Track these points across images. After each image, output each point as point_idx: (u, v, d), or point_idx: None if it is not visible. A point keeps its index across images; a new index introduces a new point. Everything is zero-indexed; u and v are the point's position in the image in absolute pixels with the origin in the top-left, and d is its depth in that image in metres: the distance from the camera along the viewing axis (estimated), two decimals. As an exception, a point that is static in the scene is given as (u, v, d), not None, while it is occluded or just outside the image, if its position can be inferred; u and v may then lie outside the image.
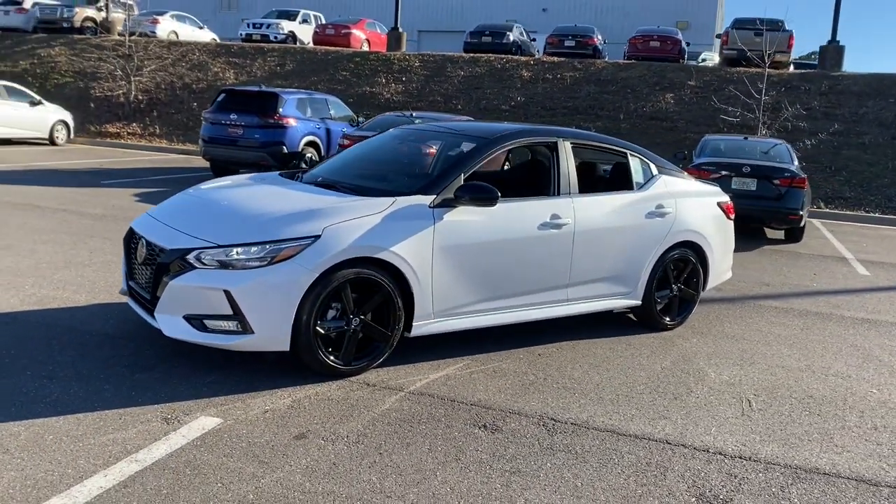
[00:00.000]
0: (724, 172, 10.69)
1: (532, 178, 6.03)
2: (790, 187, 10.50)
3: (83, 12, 29.83)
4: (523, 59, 23.39)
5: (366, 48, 27.58)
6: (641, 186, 5.71)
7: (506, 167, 7.27)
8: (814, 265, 9.24)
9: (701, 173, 10.74)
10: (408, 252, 4.37)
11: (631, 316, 5.98)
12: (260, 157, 12.86)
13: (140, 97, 22.09)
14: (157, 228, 4.42)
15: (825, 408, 4.44)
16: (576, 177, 5.31)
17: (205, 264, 4.04)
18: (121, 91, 21.98)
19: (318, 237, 4.11)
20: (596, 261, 5.29)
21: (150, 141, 20.10)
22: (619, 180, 5.80)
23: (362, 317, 4.31)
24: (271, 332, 4.04)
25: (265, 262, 4.02)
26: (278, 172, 5.55)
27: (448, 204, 4.60)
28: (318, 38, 27.57)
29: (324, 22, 29.48)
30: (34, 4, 31.09)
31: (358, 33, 27.66)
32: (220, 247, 4.06)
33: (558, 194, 5.19)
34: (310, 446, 3.45)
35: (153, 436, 3.44)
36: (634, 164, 5.76)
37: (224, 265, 4.03)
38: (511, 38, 25.59)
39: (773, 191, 10.52)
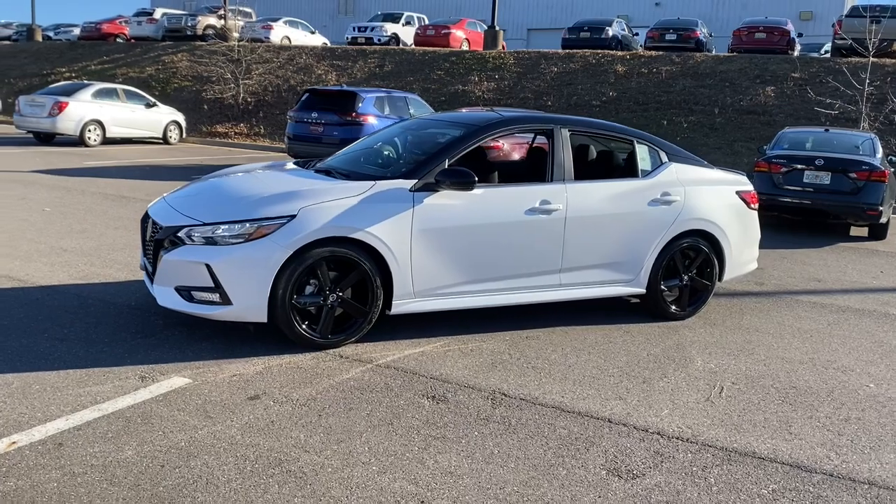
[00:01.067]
0: (795, 165, 10.24)
1: (528, 165, 6.10)
2: (868, 181, 9.92)
3: (205, 20, 31.87)
4: (619, 54, 23.02)
5: (465, 47, 27.94)
6: (647, 174, 5.67)
7: (507, 154, 7.32)
8: (884, 263, 8.72)
9: (770, 166, 10.35)
10: (384, 233, 4.60)
11: (637, 302, 5.94)
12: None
13: (248, 99, 23.40)
14: (163, 210, 4.86)
15: (803, 398, 4.31)
16: (571, 163, 5.36)
17: (193, 241, 4.44)
18: (230, 93, 23.37)
19: (293, 217, 4.41)
20: (591, 247, 5.32)
21: (255, 140, 21.28)
22: (624, 168, 5.78)
23: (339, 293, 4.58)
24: (248, 303, 4.37)
25: (243, 239, 4.37)
26: (294, 161, 5.91)
27: (430, 188, 4.79)
28: (419, 38, 28.19)
29: (427, 23, 30.09)
30: (163, 14, 33.54)
31: (458, 33, 28.06)
32: (205, 224, 4.44)
33: (552, 180, 5.26)
34: (257, 406, 3.75)
35: (124, 391, 3.84)
36: (641, 151, 5.73)
37: (209, 241, 4.41)
38: (610, 33, 25.23)
39: (849, 185, 9.97)
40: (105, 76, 27.29)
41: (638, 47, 26.92)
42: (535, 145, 6.59)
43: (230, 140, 21.41)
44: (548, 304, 5.77)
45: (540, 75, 22.32)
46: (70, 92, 18.11)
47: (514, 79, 22.44)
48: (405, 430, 3.58)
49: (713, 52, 25.46)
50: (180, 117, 20.35)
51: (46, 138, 18.32)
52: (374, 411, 3.77)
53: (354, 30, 29.40)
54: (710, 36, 27.33)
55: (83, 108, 17.81)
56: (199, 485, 2.98)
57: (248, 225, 4.39)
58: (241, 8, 33.85)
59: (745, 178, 6.25)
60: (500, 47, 26.45)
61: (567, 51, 24.08)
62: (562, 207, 5.18)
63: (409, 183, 4.78)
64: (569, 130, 5.45)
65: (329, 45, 31.33)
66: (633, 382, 4.40)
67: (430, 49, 26.04)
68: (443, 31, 27.75)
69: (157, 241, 4.60)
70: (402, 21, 30.22)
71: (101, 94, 18.50)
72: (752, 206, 6.14)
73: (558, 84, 21.60)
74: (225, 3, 30.35)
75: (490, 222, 4.95)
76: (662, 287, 5.69)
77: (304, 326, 4.51)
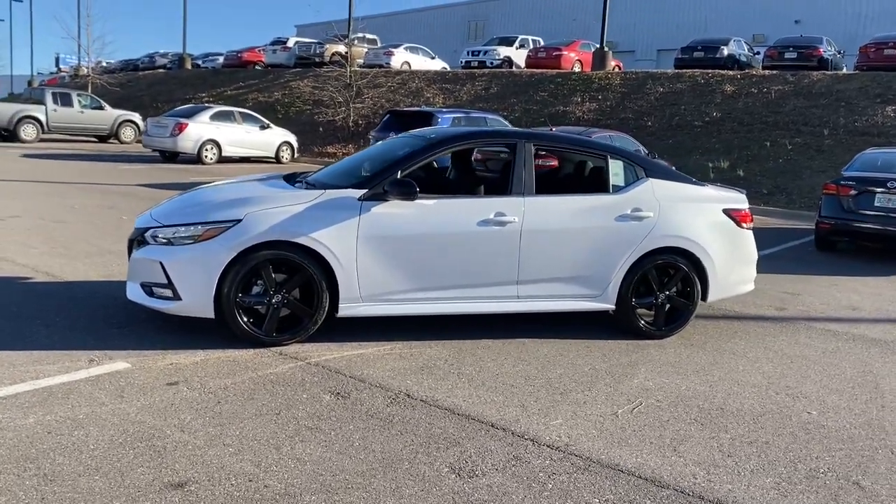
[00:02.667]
0: (867, 188, 9.58)
1: (490, 178, 6.17)
2: (947, 205, 9.12)
3: (332, 48, 33.60)
4: (730, 73, 22.20)
5: (577, 69, 27.86)
6: (619, 189, 5.62)
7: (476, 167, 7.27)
8: (949, 293, 7.99)
9: (839, 189, 9.75)
10: (329, 238, 4.88)
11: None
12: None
13: (359, 122, 24.50)
14: (144, 215, 5.39)
15: (722, 420, 4.15)
16: (532, 177, 5.42)
17: (156, 241, 4.91)
18: (341, 116, 24.57)
19: (238, 221, 4.79)
20: (551, 260, 5.34)
21: (360, 160, 22.21)
22: (594, 183, 5.75)
23: (284, 294, 4.89)
24: (196, 299, 4.78)
25: (193, 241, 4.79)
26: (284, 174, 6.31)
27: (379, 198, 5.02)
28: (531, 61, 28.44)
29: (540, 45, 30.27)
30: (295, 43, 35.72)
31: (570, 55, 28.06)
32: (166, 227, 4.91)
33: (510, 193, 5.35)
34: (168, 391, 4.11)
35: (67, 370, 4.33)
36: (614, 167, 5.68)
37: (168, 242, 4.86)
38: (725, 52, 24.39)
39: (925, 209, 9.20)
40: (238, 100, 29.43)
41: (757, 66, 25.78)
42: (495, 158, 6.55)
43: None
44: (526, 316, 5.80)
45: (644, 96, 21.92)
46: (190, 114, 19.75)
47: (616, 99, 22.17)
48: (286, 420, 3.82)
49: (843, 71, 23.95)
50: (292, 138, 21.63)
51: (171, 157, 20.03)
52: (270, 402, 4.03)
53: (468, 54, 30.10)
54: (840, 54, 25.72)
55: (201, 129, 19.36)
56: (66, 449, 3.36)
57: (198, 227, 4.81)
58: (366, 35, 35.50)
59: (738, 196, 6.03)
60: (612, 67, 26.18)
61: (676, 70, 23.48)
62: (517, 220, 5.25)
63: (359, 192, 5.04)
64: (534, 145, 5.52)
65: (449, 69, 32.20)
66: (549, 393, 4.41)
67: (539, 71, 26.21)
68: (554, 53, 27.86)
69: (130, 241, 5.12)
70: (517, 44, 30.58)
71: (218, 116, 20.04)
72: (744, 224, 5.91)
73: (661, 104, 21.12)
74: (348, 31, 31.91)
75: (440, 232, 5.11)
76: (635, 304, 5.59)
77: (248, 324, 4.86)
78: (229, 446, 3.49)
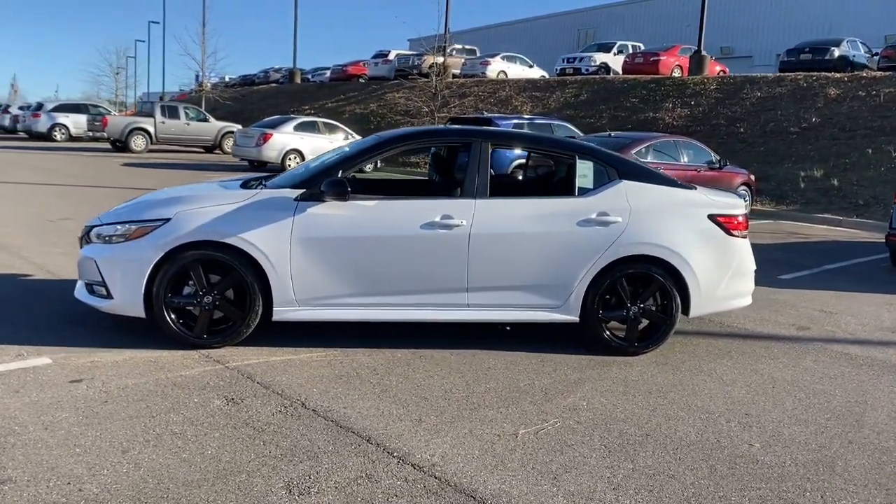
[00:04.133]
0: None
1: (444, 179, 5.83)
2: None
3: (430, 59, 33.88)
4: (836, 76, 20.55)
5: (677, 74, 26.71)
6: (586, 192, 5.18)
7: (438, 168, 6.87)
8: None
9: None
10: (260, 239, 4.75)
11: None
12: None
13: (445, 130, 24.50)
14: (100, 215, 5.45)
15: (637, 449, 3.68)
16: (487, 179, 5.08)
17: (97, 240, 4.95)
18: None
19: (167, 220, 4.74)
20: (502, 267, 4.98)
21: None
22: (559, 185, 5.33)
23: (216, 295, 4.80)
24: (126, 298, 4.77)
25: (124, 239, 4.79)
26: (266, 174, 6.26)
27: (316, 198, 4.85)
28: (627, 66, 27.54)
29: (640, 51, 29.27)
30: (396, 55, 36.31)
31: (668, 59, 26.94)
32: (105, 225, 4.94)
33: (461, 195, 5.04)
34: (64, 388, 4.08)
35: (-11, 363, 4.41)
36: (582, 168, 5.24)
37: (106, 241, 4.89)
38: (836, 53, 22.68)
39: None
40: (336, 112, 30.22)
41: (872, 68, 23.78)
42: (450, 158, 6.11)
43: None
44: (489, 327, 5.46)
45: (739, 101, 20.68)
46: (276, 125, 20.40)
47: (710, 105, 21.04)
48: (157, 423, 3.70)
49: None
50: (375, 147, 21.86)
51: (259, 165, 20.73)
52: (157, 405, 3.93)
53: (563, 61, 29.53)
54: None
55: (285, 139, 19.95)
56: (-83, 441, 3.37)
57: (130, 226, 4.81)
58: (465, 46, 35.61)
59: (730, 202, 5.42)
60: (717, 72, 24.92)
61: (777, 74, 22.03)
62: (465, 223, 4.93)
63: (295, 192, 4.88)
64: (491, 145, 5.18)
65: (547, 77, 31.75)
66: (458, 409, 4.07)
67: (632, 77, 25.33)
68: (651, 59, 26.85)
69: (80, 239, 5.19)
70: (615, 50, 29.74)
71: (302, 126, 20.58)
72: (735, 232, 5.30)
73: (757, 110, 19.85)
74: (445, 42, 32.07)
75: (380, 234, 4.87)
76: (602, 317, 5.13)
77: (179, 325, 4.80)
78: (78, 447, 3.40)
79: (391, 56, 36.33)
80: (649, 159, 11.90)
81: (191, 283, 4.80)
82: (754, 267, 5.49)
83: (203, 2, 39.04)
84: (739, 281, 5.38)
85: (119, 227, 4.86)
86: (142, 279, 4.71)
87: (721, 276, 5.26)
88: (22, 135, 33.29)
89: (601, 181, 5.24)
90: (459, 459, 3.46)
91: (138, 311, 4.78)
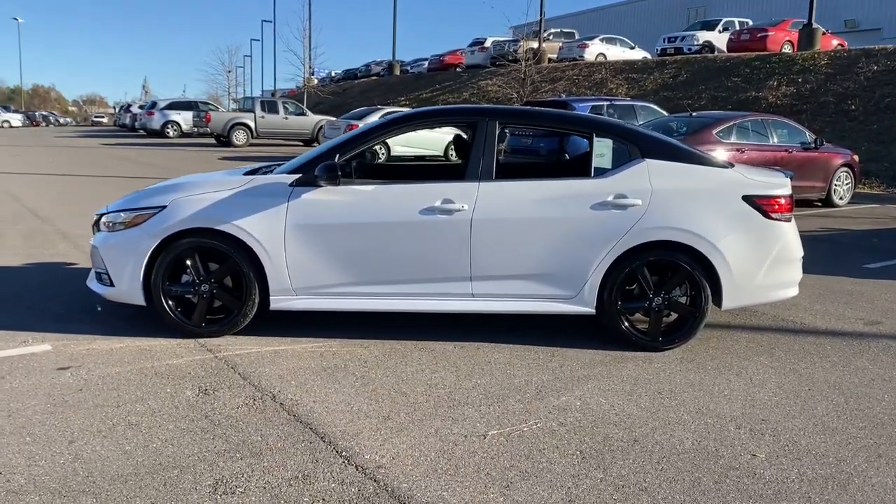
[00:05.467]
0: None
1: (448, 161, 5.45)
2: None
3: (526, 44, 33.32)
4: (967, 43, 18.56)
5: (787, 50, 24.98)
6: (603, 173, 4.74)
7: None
8: None
9: None
10: (254, 226, 4.62)
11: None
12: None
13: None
14: (120, 202, 5.49)
15: (618, 456, 3.29)
16: (493, 160, 4.75)
17: (104, 228, 4.97)
18: (517, 112, 24.20)
19: (163, 208, 4.69)
20: (508, 255, 4.65)
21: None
22: (574, 165, 4.91)
23: (212, 283, 4.72)
24: (125, 286, 4.76)
25: (124, 227, 4.78)
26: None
27: (311, 183, 4.68)
28: (732, 44, 26.04)
29: (747, 27, 27.59)
30: (492, 42, 35.93)
31: (778, 35, 25.23)
32: (110, 213, 4.95)
33: (464, 178, 4.73)
34: (47, 376, 4.08)
35: (-8, 349, 4.50)
36: (600, 146, 4.81)
37: (110, 228, 4.90)
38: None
39: None
40: (431, 102, 30.27)
41: None
42: (458, 140, 5.69)
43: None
44: (506, 318, 5.15)
45: (852, 76, 19.06)
46: (362, 116, 20.57)
47: (818, 82, 19.52)
48: (117, 413, 3.62)
49: None
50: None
51: (348, 157, 20.95)
52: (129, 394, 3.87)
53: (664, 41, 28.25)
54: None
55: (371, 130, 20.04)
56: None
57: (130, 214, 4.79)
58: (563, 30, 34.78)
59: (771, 181, 4.83)
60: (828, 47, 23.14)
61: (897, 45, 20.18)
62: (467, 208, 4.62)
63: (291, 178, 4.73)
64: (499, 123, 4.83)
65: (649, 58, 30.53)
66: (434, 406, 3.79)
67: (735, 55, 23.91)
68: (759, 35, 25.24)
69: (92, 227, 5.24)
70: (719, 27, 28.15)
71: (387, 117, 20.63)
72: (776, 215, 4.72)
73: (872, 85, 18.23)
74: (541, 27, 31.42)
75: (376, 221, 4.64)
76: (621, 308, 4.70)
77: (178, 313, 4.75)
78: (29, 436, 3.37)
79: (487, 43, 35.95)
80: (733, 140, 11.09)
81: (188, 271, 4.74)
82: (801, 254, 4.89)
83: (308, 1, 40.01)
84: (782, 269, 4.79)
85: (122, 214, 4.86)
86: (140, 267, 4.69)
87: (759, 264, 4.71)
88: (141, 133, 35.30)
89: (621, 160, 4.78)
90: (410, 462, 3.18)
91: (138, 298, 4.77)
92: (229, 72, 73.72)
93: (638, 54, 31.98)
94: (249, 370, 4.25)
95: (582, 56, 30.93)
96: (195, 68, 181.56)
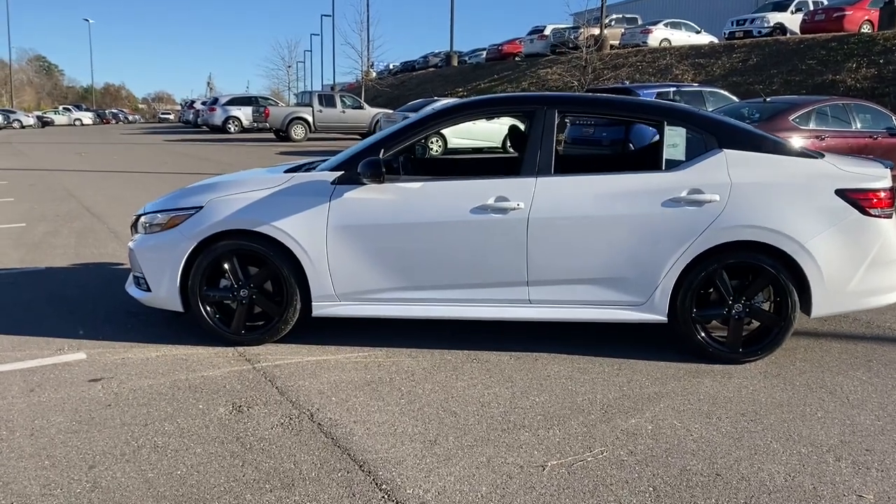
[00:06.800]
0: None
1: (504, 154, 5.00)
2: None
3: (587, 31, 32.48)
4: None
5: (867, 30, 23.62)
6: (676, 166, 4.27)
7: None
8: None
9: None
10: (294, 228, 4.32)
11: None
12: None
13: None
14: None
15: (693, 494, 2.85)
16: (552, 152, 4.32)
17: (142, 229, 4.74)
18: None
19: (200, 208, 4.42)
20: (569, 257, 4.22)
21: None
22: (644, 157, 4.44)
23: (251, 288, 4.43)
24: (162, 291, 4.51)
25: (160, 228, 4.53)
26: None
27: (354, 180, 4.34)
28: (806, 26, 24.78)
29: (822, 6, 26.23)
30: (552, 30, 35.19)
31: (856, 14, 23.88)
32: (147, 214, 4.71)
33: (520, 173, 4.32)
34: (76, 388, 3.85)
35: (26, 357, 4.29)
36: (672, 136, 4.33)
37: (147, 230, 4.66)
38: None
39: None
40: (488, 92, 29.77)
41: None
42: (517, 131, 5.24)
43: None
44: (566, 325, 4.74)
45: (940, 55, 17.81)
46: (418, 108, 20.21)
47: (902, 62, 18.31)
48: (145, 434, 3.36)
49: None
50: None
51: (404, 149, 20.70)
52: (159, 411, 3.60)
53: (732, 24, 27.11)
54: None
55: (428, 122, 19.72)
56: None
57: (166, 215, 4.54)
58: (625, 15, 33.81)
59: (869, 173, 4.27)
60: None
61: None
62: (523, 206, 4.21)
63: (332, 175, 4.40)
64: (558, 112, 4.40)
65: (716, 42, 29.39)
66: (487, 429, 3.40)
67: (809, 37, 22.71)
68: (835, 15, 23.95)
69: (131, 228, 5.02)
70: (792, 8, 26.85)
71: (445, 107, 20.28)
72: (875, 211, 4.17)
73: (963, 64, 16.98)
74: (602, 12, 30.56)
75: (424, 221, 4.28)
76: (697, 316, 4.23)
77: (216, 320, 4.48)
78: (48, 459, 3.12)
79: (547, 31, 35.21)
80: (811, 126, 10.34)
81: (227, 275, 4.47)
82: (900, 253, 4.32)
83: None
84: (881, 272, 4.24)
85: (159, 215, 4.61)
86: (177, 270, 4.44)
87: (854, 266, 4.17)
88: (204, 128, 35.83)
89: (696, 151, 4.30)
90: (458, 498, 2.81)
91: (176, 304, 4.51)
92: (289, 67, 74.45)
93: (704, 38, 30.78)
94: (288, 384, 3.94)
95: (645, 42, 29.96)
96: (257, 64, 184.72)
